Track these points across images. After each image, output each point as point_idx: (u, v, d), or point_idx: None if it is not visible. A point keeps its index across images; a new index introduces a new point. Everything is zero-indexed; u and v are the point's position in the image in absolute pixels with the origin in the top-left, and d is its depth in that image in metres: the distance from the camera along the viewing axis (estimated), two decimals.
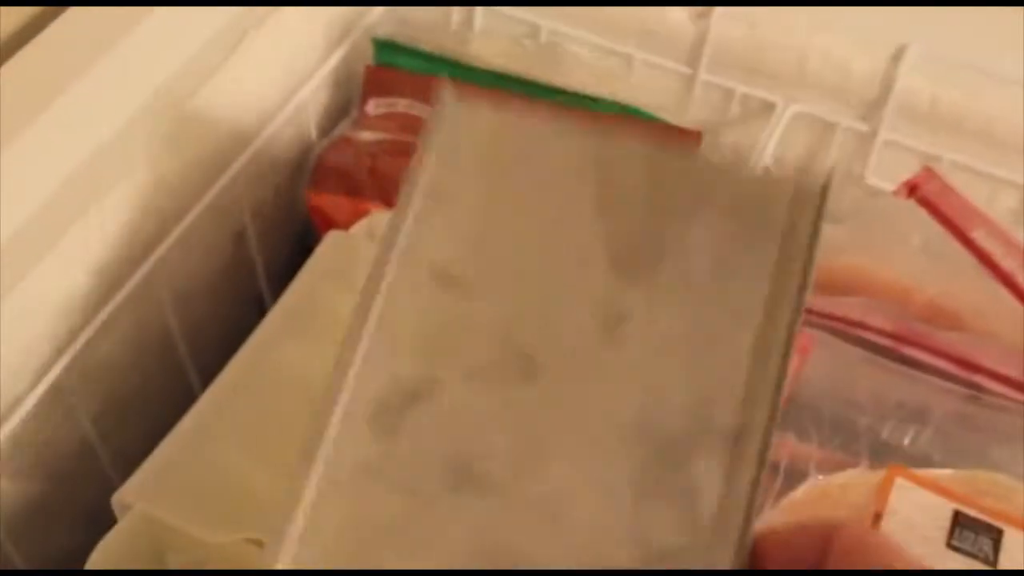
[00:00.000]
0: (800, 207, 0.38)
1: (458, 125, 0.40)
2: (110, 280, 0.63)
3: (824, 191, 0.38)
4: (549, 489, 0.35)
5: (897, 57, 0.72)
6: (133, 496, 0.53)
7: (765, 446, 0.35)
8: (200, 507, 0.53)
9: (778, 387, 0.35)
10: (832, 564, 0.33)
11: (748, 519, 0.34)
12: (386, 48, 0.77)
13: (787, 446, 0.58)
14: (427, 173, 0.39)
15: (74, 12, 0.63)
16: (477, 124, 0.40)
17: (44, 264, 0.60)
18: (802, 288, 0.36)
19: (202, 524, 0.52)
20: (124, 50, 0.63)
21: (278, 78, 0.74)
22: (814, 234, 0.37)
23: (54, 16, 0.63)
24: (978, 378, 0.63)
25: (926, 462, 0.57)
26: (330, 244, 0.63)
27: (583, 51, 0.78)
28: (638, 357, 0.36)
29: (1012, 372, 0.63)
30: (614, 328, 0.37)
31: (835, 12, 0.73)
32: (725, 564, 0.34)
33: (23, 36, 0.63)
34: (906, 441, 0.60)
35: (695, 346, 0.36)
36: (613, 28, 0.77)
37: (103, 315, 0.62)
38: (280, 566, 0.35)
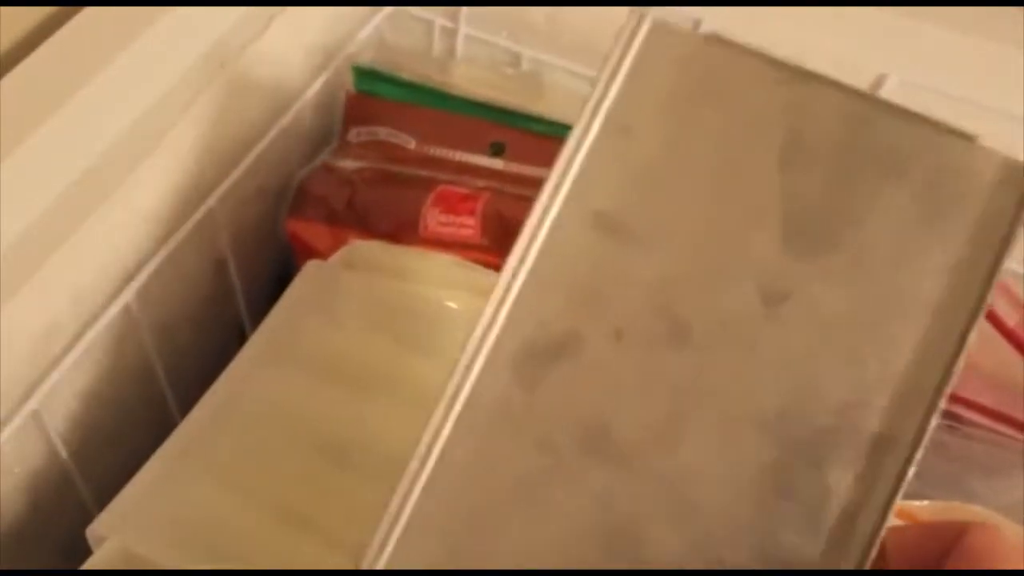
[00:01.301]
0: (1003, 189, 0.35)
1: (648, 50, 0.37)
2: (90, 308, 0.63)
3: None
4: (680, 467, 0.34)
5: (876, 87, 0.72)
6: (107, 528, 0.53)
7: (910, 458, 0.33)
8: (175, 540, 0.52)
9: (937, 395, 0.34)
10: (954, 565, 0.32)
11: (877, 533, 0.33)
12: (366, 76, 0.77)
13: None
14: (608, 101, 0.37)
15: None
16: (669, 52, 0.37)
17: (23, 292, 0.60)
18: (986, 286, 0.34)
19: (177, 557, 0.52)
20: (102, 80, 0.63)
21: (260, 105, 0.74)
22: (1014, 224, 0.34)
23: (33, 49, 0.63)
24: (956, 408, 0.63)
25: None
26: (309, 274, 0.63)
27: (564, 79, 0.78)
28: (795, 341, 0.35)
29: (989, 402, 0.63)
30: (776, 305, 0.35)
31: (814, 41, 0.73)
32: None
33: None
34: None
35: (857, 338, 0.34)
36: (594, 56, 0.77)
37: (82, 344, 0.62)
38: (402, 504, 0.35)
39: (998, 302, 0.65)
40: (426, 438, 0.36)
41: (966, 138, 0.36)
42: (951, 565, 0.32)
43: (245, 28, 0.71)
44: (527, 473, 0.35)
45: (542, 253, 0.36)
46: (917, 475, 0.59)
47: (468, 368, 0.36)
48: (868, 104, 0.36)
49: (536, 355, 0.36)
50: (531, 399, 0.35)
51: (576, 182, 0.37)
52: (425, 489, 0.35)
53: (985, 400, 0.63)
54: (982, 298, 0.34)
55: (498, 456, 0.35)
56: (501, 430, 0.35)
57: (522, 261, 0.36)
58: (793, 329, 0.35)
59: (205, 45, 0.69)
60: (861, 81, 0.71)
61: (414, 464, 0.35)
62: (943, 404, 0.34)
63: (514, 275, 0.36)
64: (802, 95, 0.36)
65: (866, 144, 0.36)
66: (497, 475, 0.35)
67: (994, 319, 0.65)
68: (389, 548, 0.35)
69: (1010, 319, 0.64)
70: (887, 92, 0.71)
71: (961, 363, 0.34)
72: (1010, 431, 0.62)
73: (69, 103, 0.62)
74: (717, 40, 0.37)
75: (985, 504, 0.57)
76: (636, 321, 0.36)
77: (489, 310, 0.36)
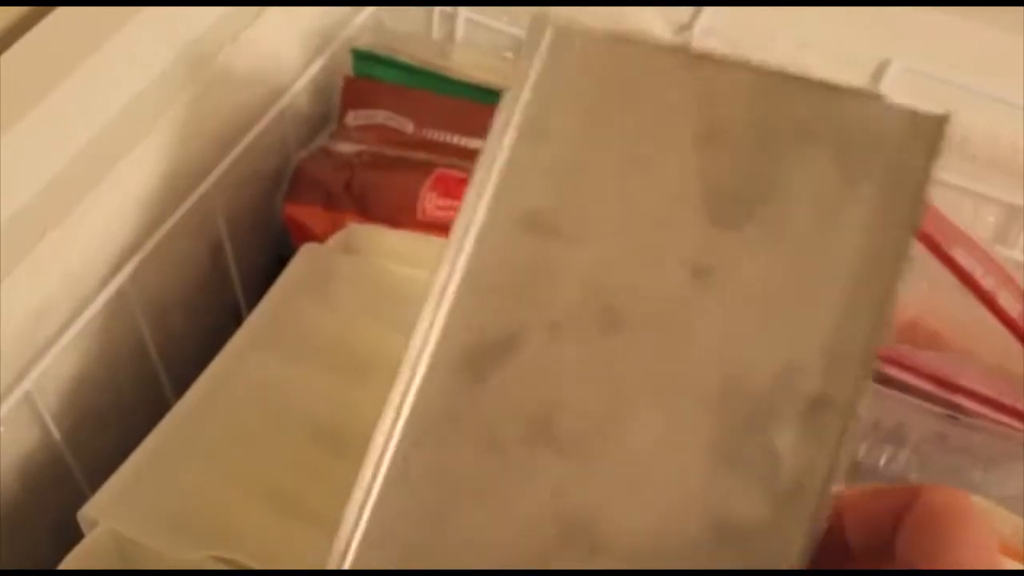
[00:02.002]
0: (914, 142, 0.35)
1: (555, 54, 0.38)
2: (84, 290, 0.63)
3: (941, 126, 0.35)
4: (628, 450, 0.34)
5: (878, 74, 0.71)
6: (99, 512, 0.52)
7: (851, 415, 0.33)
8: (166, 524, 0.52)
9: (869, 351, 0.34)
10: (912, 526, 0.32)
11: (825, 493, 0.33)
12: (365, 59, 0.76)
13: None
14: (521, 107, 0.38)
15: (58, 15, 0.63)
16: (575, 53, 0.38)
17: (16, 273, 0.59)
18: (907, 238, 0.34)
19: (168, 541, 0.51)
20: (98, 60, 0.62)
21: (257, 88, 0.74)
22: (925, 174, 0.35)
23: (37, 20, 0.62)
24: (957, 398, 0.62)
25: (902, 483, 0.57)
26: (305, 257, 0.63)
27: None
28: (726, 313, 0.35)
29: (991, 392, 0.62)
30: (704, 279, 0.35)
31: (817, 28, 0.72)
32: (799, 538, 0.33)
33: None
34: (882, 462, 0.59)
35: (786, 303, 0.35)
36: None
37: (76, 326, 0.62)
38: (359, 512, 0.35)
39: (1001, 292, 0.65)
40: (376, 446, 0.35)
41: (873, 97, 0.36)
42: (909, 525, 0.32)
43: (241, 13, 0.71)
44: (478, 472, 0.35)
45: (473, 256, 0.37)
46: (918, 465, 0.59)
47: (412, 375, 0.36)
48: (775, 78, 0.36)
49: (477, 356, 0.36)
50: (476, 399, 0.35)
51: (499, 186, 0.37)
52: (380, 496, 0.35)
53: (986, 390, 0.62)
54: (904, 251, 0.34)
55: (448, 458, 0.35)
56: (449, 432, 0.35)
57: (453, 265, 0.36)
58: (724, 302, 0.35)
59: (200, 28, 0.68)
60: (864, 67, 0.71)
61: (367, 472, 0.35)
62: (877, 361, 0.34)
63: (448, 279, 0.36)
64: (709, 78, 0.37)
65: (777, 116, 0.36)
66: (449, 476, 0.35)
67: (996, 309, 0.64)
68: (350, 556, 0.35)
69: (1013, 310, 0.64)
70: (890, 78, 0.70)
71: (891, 317, 0.34)
72: (1012, 421, 0.61)
73: (61, 86, 0.61)
74: (621, 37, 0.38)
75: (986, 495, 0.57)
76: (571, 312, 0.36)
77: (426, 315, 0.36)
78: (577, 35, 0.38)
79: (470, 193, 0.37)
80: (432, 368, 0.36)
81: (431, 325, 0.36)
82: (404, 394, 0.36)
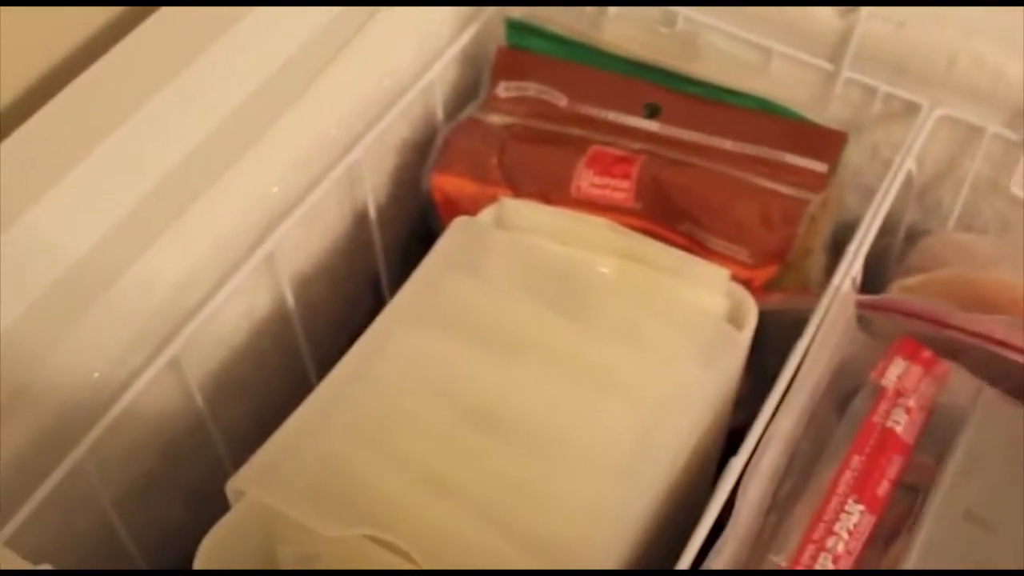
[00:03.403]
0: None
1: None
2: (231, 256, 0.62)
3: None
4: None
5: None
6: (248, 484, 0.51)
7: None
8: (315, 499, 0.51)
9: None
10: None
11: None
12: (519, 29, 0.75)
13: (928, 469, 0.56)
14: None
15: None
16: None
17: (166, 237, 0.59)
18: None
19: (316, 516, 0.50)
20: (248, 24, 0.62)
21: (407, 56, 0.73)
22: None
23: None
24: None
25: None
26: (457, 231, 0.61)
27: (720, 41, 0.75)
28: None
29: None
30: None
31: (989, 13, 0.70)
32: None
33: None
34: None
35: None
36: (753, 18, 0.74)
37: (223, 293, 0.61)
38: None
39: None
40: None
41: None
42: None
43: None
44: None
45: None
46: None
47: None
48: None
49: None
50: None
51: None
52: None
53: None
54: None
55: None
56: None
57: None
58: None
59: None
60: None
61: None
62: None
63: None
64: None
65: None
66: None
67: None
68: None
69: None
70: None
71: None
72: None
73: (210, 49, 0.61)
74: None
75: None
76: None
77: None
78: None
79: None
80: None
81: None
82: None
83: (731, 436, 0.60)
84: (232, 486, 0.52)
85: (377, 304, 0.74)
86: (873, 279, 0.69)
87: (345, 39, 0.68)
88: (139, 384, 0.58)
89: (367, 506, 0.51)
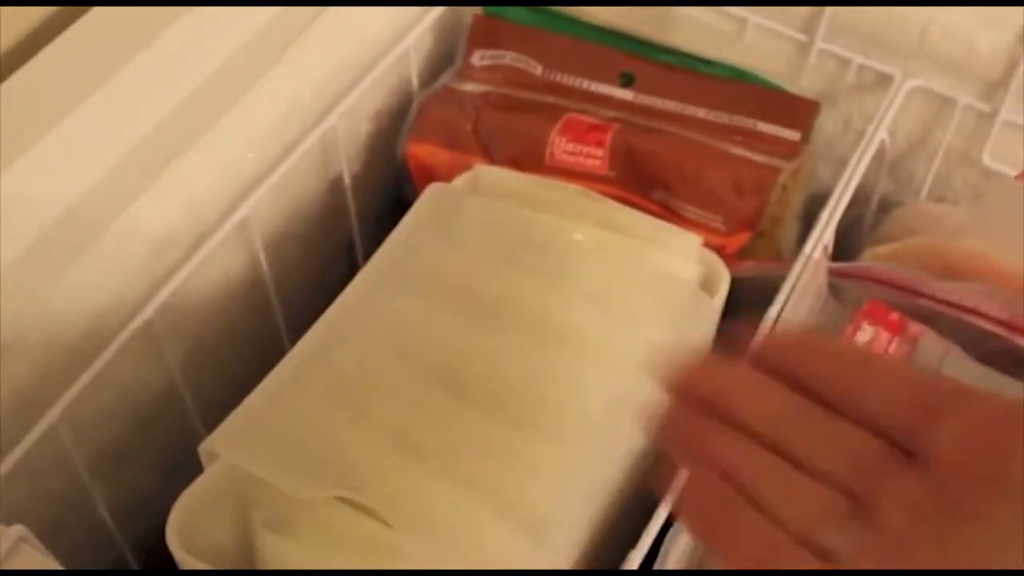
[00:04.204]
0: None
1: None
2: (205, 221, 0.62)
3: None
4: None
5: None
6: (221, 446, 0.52)
7: None
8: (287, 461, 0.51)
9: None
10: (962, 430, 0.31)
11: None
12: None
13: None
14: None
15: None
16: None
17: (142, 201, 0.59)
18: None
19: (288, 479, 0.50)
20: None
21: (382, 24, 0.73)
22: None
23: None
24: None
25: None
26: (432, 197, 0.62)
27: (695, 12, 0.75)
28: None
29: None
30: None
31: None
32: None
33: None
34: None
35: None
36: None
37: (197, 258, 0.61)
38: None
39: None
40: None
41: None
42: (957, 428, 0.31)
43: None
44: None
45: None
46: None
47: None
48: None
49: None
50: None
51: None
52: None
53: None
54: None
55: None
56: None
57: None
58: None
59: None
60: (1010, 28, 0.69)
61: None
62: None
63: None
64: None
65: None
66: None
67: None
68: None
69: None
70: None
71: None
72: None
73: (188, 12, 0.60)
74: None
75: None
76: None
77: None
78: None
79: None
80: None
81: None
82: None
83: None
84: (205, 448, 0.52)
85: (351, 270, 0.73)
86: (845, 249, 0.69)
87: (321, 6, 0.68)
88: (113, 347, 0.58)
89: (339, 468, 0.51)
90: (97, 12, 0.59)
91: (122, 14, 0.60)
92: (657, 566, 0.52)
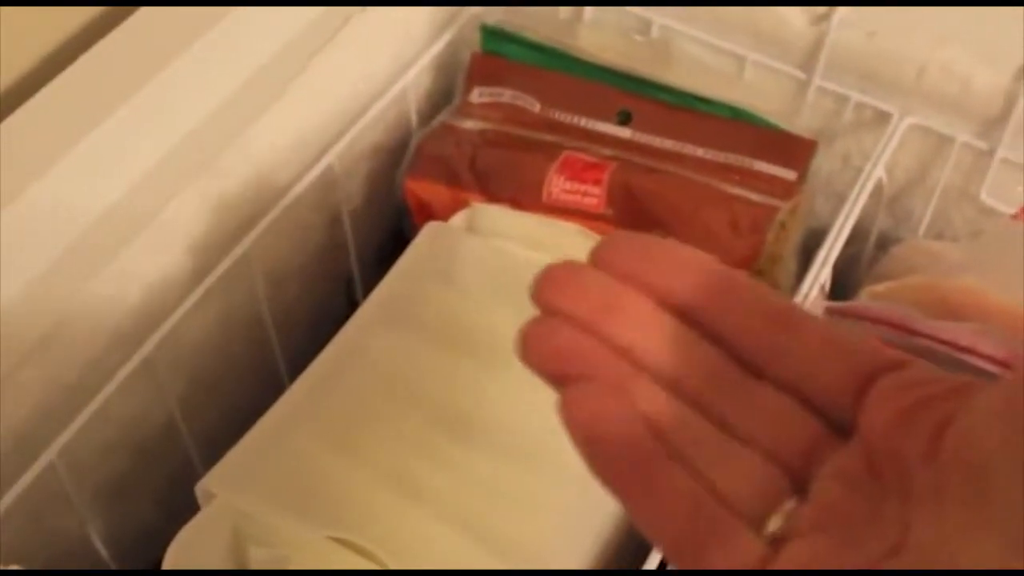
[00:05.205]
0: None
1: None
2: (205, 259, 0.63)
3: None
4: None
5: (1022, 75, 0.69)
6: (217, 485, 0.52)
7: None
8: (285, 501, 0.51)
9: None
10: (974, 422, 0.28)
11: None
12: (494, 36, 0.75)
13: None
14: None
15: None
16: None
17: (141, 239, 0.59)
18: None
19: (286, 519, 0.50)
20: (223, 28, 0.62)
21: (381, 61, 0.73)
22: None
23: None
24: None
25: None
26: (429, 236, 0.62)
27: (694, 49, 0.76)
28: None
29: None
30: None
31: (960, 24, 0.70)
32: None
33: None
34: None
35: None
36: (726, 27, 0.75)
37: (197, 294, 0.61)
38: None
39: None
40: None
41: None
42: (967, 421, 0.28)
43: None
44: None
45: None
46: None
47: None
48: None
49: None
50: None
51: None
52: None
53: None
54: None
55: None
56: None
57: None
58: None
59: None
60: (1007, 67, 0.69)
61: None
62: None
63: None
64: None
65: None
66: None
67: None
68: None
69: None
70: None
71: None
72: None
73: (188, 49, 0.61)
74: None
75: None
76: None
77: None
78: None
79: None
80: None
81: None
82: None
83: None
84: (202, 487, 0.52)
85: (350, 307, 0.74)
86: (843, 286, 0.69)
87: (322, 43, 0.68)
88: (111, 386, 0.58)
89: (336, 509, 0.51)
90: (94, 51, 0.60)
91: (120, 51, 0.60)
92: None
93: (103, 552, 0.62)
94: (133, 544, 0.64)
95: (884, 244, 0.76)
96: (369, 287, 0.61)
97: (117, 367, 0.59)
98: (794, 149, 0.69)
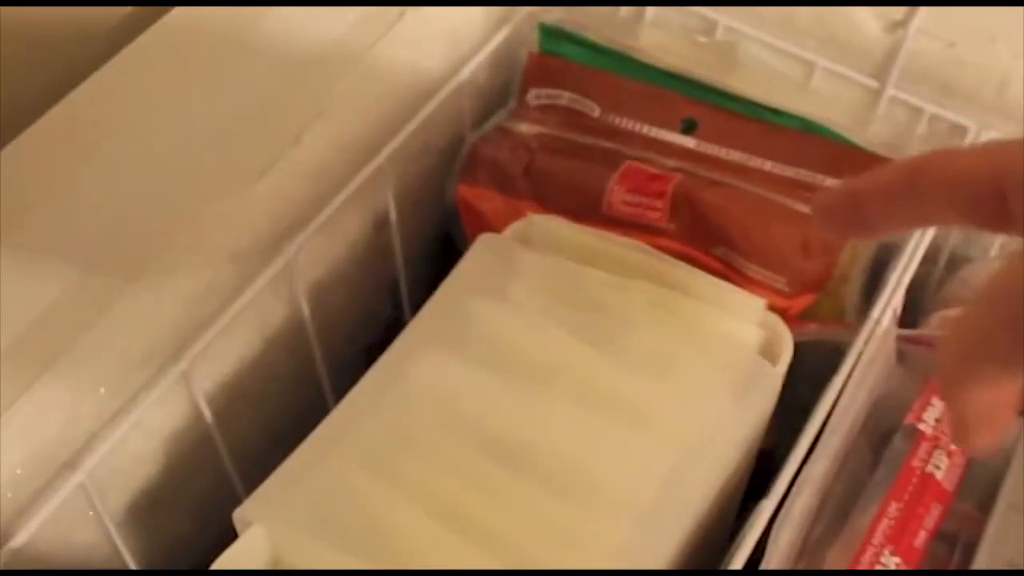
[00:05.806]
0: None
1: None
2: (248, 267, 0.60)
3: None
4: None
5: None
6: (255, 514, 0.49)
7: None
8: (324, 532, 0.49)
9: None
10: None
11: None
12: (552, 35, 0.72)
13: (967, 517, 0.53)
14: None
15: None
16: None
17: (180, 247, 0.57)
18: None
19: (325, 550, 0.48)
20: (272, 26, 0.60)
21: (435, 59, 0.70)
22: None
23: None
24: None
25: None
26: (483, 249, 0.59)
27: (761, 53, 0.72)
28: None
29: None
30: None
31: None
32: None
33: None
34: None
35: None
36: (796, 30, 0.72)
37: (238, 304, 0.59)
38: None
39: None
40: None
41: None
42: None
43: None
44: None
45: None
46: None
47: None
48: None
49: None
50: None
51: None
52: None
53: None
54: None
55: None
56: None
57: None
58: None
59: None
60: None
61: None
62: None
63: None
64: None
65: None
66: None
67: None
68: None
69: None
70: None
71: None
72: None
73: (232, 48, 0.59)
74: None
75: None
76: None
77: None
78: None
79: None
80: None
81: None
82: None
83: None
84: (239, 516, 0.50)
85: (395, 315, 0.72)
86: (911, 308, 0.66)
87: (373, 40, 0.66)
88: (147, 402, 0.55)
89: (378, 540, 0.48)
90: (132, 49, 0.58)
91: (158, 51, 0.58)
92: None
93: (133, 565, 0.60)
94: (167, 558, 0.62)
95: (954, 264, 0.72)
96: (415, 294, 0.58)
97: (154, 380, 0.56)
98: (867, 167, 0.65)
